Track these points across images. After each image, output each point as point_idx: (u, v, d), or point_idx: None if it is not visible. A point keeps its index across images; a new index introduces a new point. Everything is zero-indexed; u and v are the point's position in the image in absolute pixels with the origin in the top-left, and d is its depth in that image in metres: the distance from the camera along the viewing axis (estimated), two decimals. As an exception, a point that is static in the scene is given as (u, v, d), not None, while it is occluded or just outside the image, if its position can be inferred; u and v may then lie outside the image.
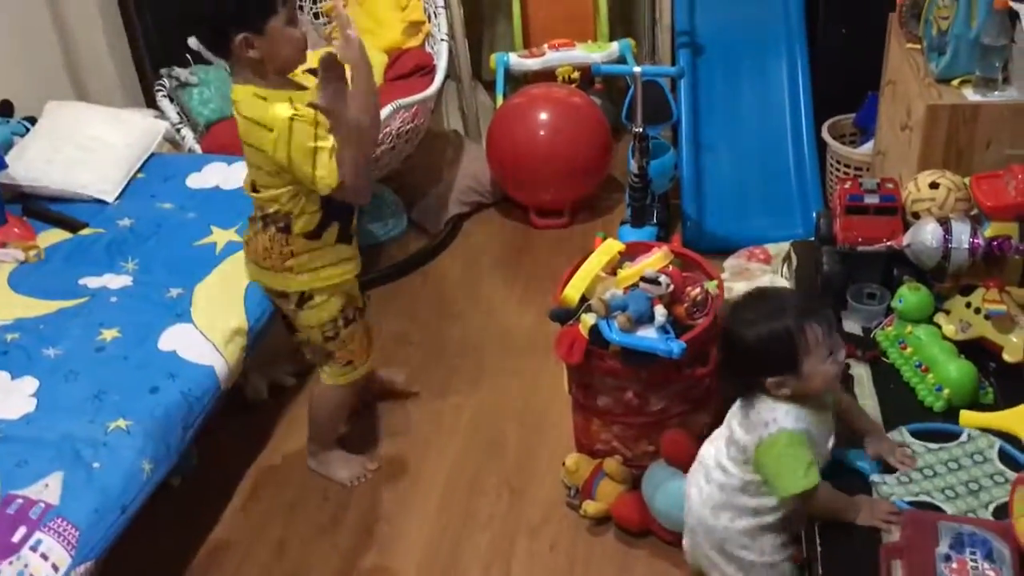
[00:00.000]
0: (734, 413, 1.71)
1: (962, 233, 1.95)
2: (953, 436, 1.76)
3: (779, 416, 1.58)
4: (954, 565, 1.46)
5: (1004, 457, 1.71)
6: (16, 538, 1.77)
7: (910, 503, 1.62)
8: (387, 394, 2.71)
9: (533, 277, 3.23)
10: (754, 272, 2.77)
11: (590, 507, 2.24)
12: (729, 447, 1.69)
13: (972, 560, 1.47)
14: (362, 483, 2.44)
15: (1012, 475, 1.66)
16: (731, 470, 1.69)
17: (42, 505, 1.84)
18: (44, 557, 1.75)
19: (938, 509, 1.62)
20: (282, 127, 1.88)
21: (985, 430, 1.74)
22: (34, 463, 1.93)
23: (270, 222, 2.07)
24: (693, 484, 1.80)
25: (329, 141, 1.90)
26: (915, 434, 1.77)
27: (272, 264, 2.11)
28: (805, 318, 1.56)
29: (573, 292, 2.19)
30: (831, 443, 1.67)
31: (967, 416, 1.76)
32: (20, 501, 1.84)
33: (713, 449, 1.76)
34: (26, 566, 1.73)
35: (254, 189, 2.08)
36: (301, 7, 3.65)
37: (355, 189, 1.97)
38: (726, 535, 1.72)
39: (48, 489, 1.88)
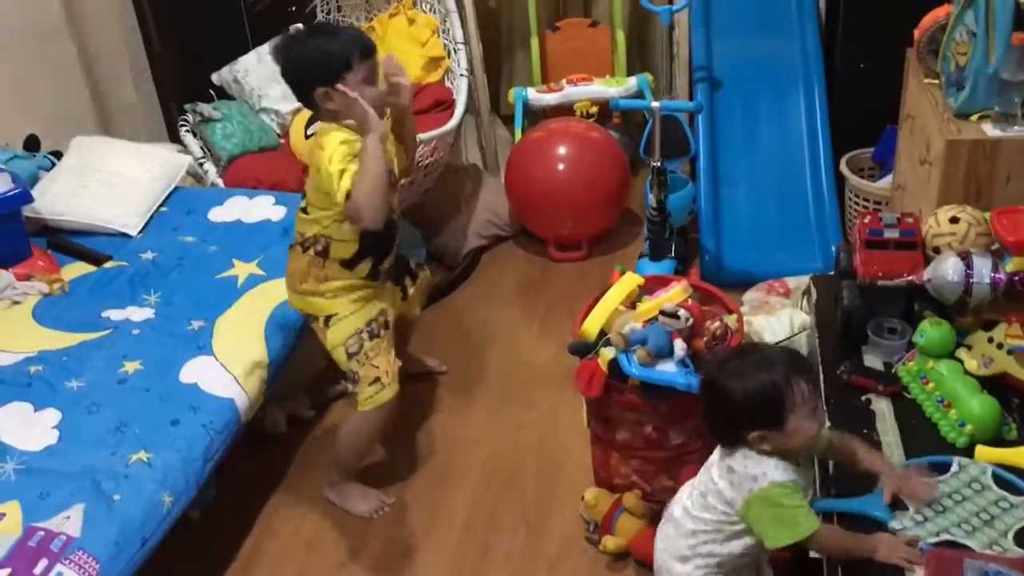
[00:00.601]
0: (714, 465, 1.68)
1: (983, 268, 1.94)
2: (945, 467, 1.76)
3: (768, 470, 1.57)
4: (980, 604, 1.44)
5: (999, 481, 1.71)
6: (38, 570, 1.77)
7: (933, 544, 1.60)
8: (420, 374, 2.87)
9: (551, 310, 3.24)
10: (773, 306, 2.76)
11: (609, 542, 2.22)
12: (706, 496, 1.67)
13: (998, 599, 1.45)
14: (380, 517, 2.44)
15: (1014, 499, 1.67)
16: (707, 518, 1.67)
17: (63, 537, 1.84)
18: (65, 590, 1.76)
19: (963, 546, 1.60)
20: (332, 146, 2.10)
21: (999, 465, 1.73)
22: (56, 495, 1.94)
23: (310, 245, 2.24)
24: (662, 534, 1.79)
25: (355, 167, 2.08)
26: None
27: (307, 288, 2.28)
28: (793, 374, 1.55)
29: (592, 326, 2.19)
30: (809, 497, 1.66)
31: (983, 452, 1.75)
32: (41, 533, 1.85)
33: (684, 498, 1.74)
34: (47, 599, 1.74)
35: (304, 211, 2.26)
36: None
37: (357, 209, 2.08)
38: None
39: (69, 521, 1.88)
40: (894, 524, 1.64)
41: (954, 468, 1.75)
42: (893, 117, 2.97)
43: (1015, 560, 1.52)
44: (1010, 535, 1.61)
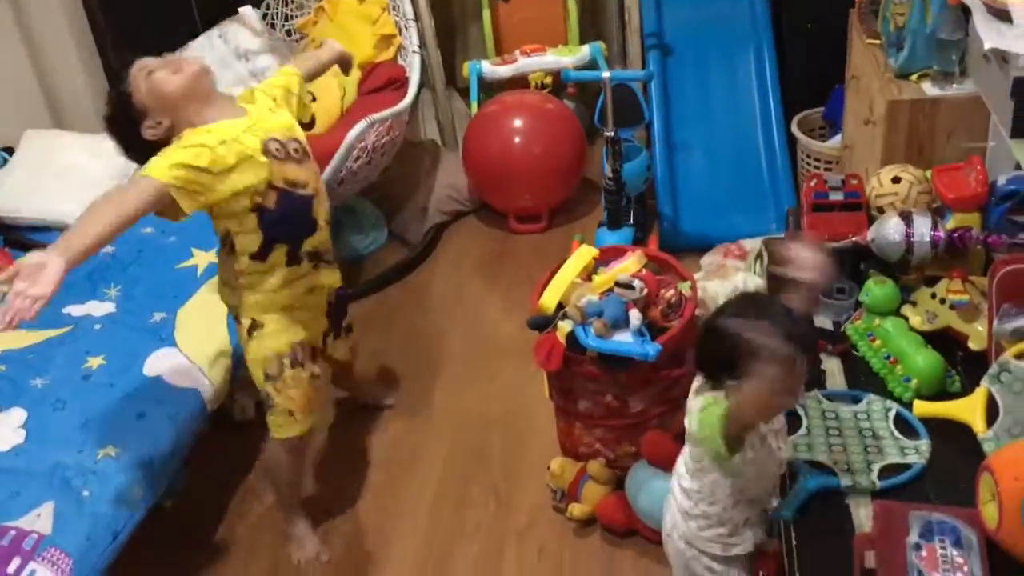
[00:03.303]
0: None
1: (923, 226, 1.99)
2: (857, 400, 1.90)
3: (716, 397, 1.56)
4: (923, 553, 1.50)
5: (900, 423, 1.82)
6: (11, 569, 1.80)
7: (806, 461, 1.73)
8: (364, 406, 2.75)
9: (514, 283, 3.27)
10: (729, 269, 2.82)
11: (576, 509, 2.28)
12: (687, 450, 1.70)
13: (941, 547, 1.51)
14: (313, 564, 2.31)
15: (905, 441, 1.78)
16: (691, 474, 1.69)
17: (35, 536, 1.87)
18: (39, 587, 1.78)
19: (827, 467, 1.73)
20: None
21: (938, 419, 1.80)
22: (25, 494, 1.96)
23: (220, 242, 2.08)
24: (666, 508, 1.80)
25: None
26: (828, 397, 1.91)
27: (227, 278, 2.12)
28: (800, 352, 1.51)
29: (549, 299, 2.23)
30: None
31: (921, 406, 1.81)
32: (13, 532, 1.87)
33: (680, 467, 1.75)
34: (21, 596, 1.76)
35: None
36: (273, 25, 3.68)
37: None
38: (695, 542, 1.71)
39: (40, 519, 1.91)
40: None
41: (863, 403, 1.88)
42: (842, 75, 3.01)
43: (959, 511, 1.58)
44: (875, 470, 1.71)
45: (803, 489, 1.70)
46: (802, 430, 1.84)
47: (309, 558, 2.32)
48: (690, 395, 1.66)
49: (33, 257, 1.69)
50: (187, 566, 2.33)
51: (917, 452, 1.75)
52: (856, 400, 1.90)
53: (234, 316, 2.17)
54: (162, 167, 1.84)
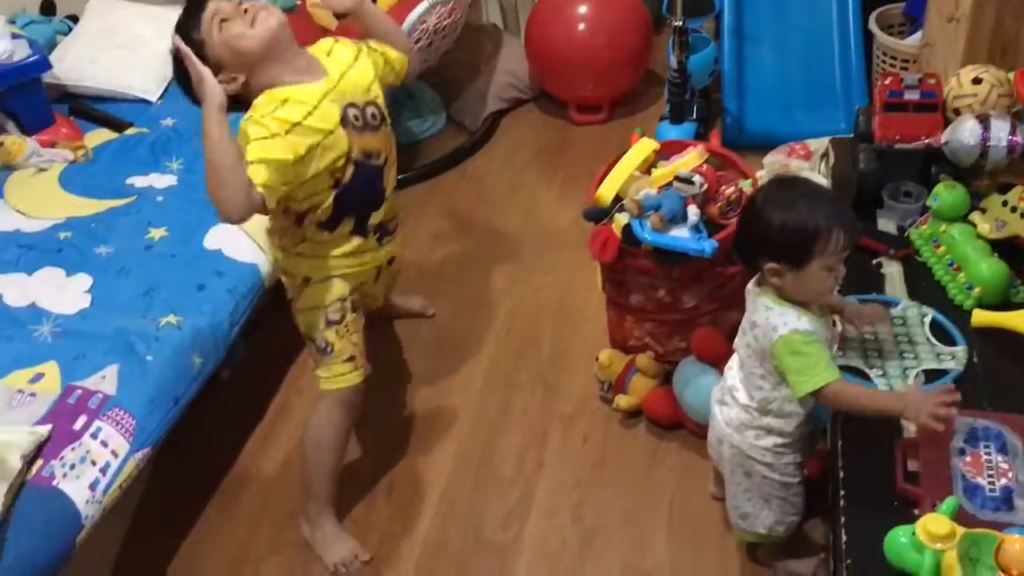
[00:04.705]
0: (743, 331, 1.69)
1: (1001, 131, 1.92)
2: (892, 306, 1.87)
3: (789, 319, 1.56)
4: (968, 459, 1.50)
5: (936, 329, 1.80)
6: (77, 426, 1.88)
7: (840, 367, 1.67)
8: (404, 316, 2.71)
9: (571, 174, 3.24)
10: (793, 169, 2.75)
11: (622, 401, 2.30)
12: (747, 361, 1.68)
13: (986, 453, 1.51)
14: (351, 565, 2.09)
15: (940, 347, 1.76)
16: (752, 392, 1.68)
17: (100, 395, 1.94)
18: (104, 444, 1.87)
19: (861, 372, 1.72)
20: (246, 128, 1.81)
21: (992, 327, 1.77)
22: (91, 356, 2.03)
23: (279, 211, 1.90)
24: (716, 402, 1.80)
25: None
26: (862, 302, 1.86)
27: (284, 244, 2.00)
28: (836, 222, 1.52)
29: (607, 191, 2.20)
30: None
31: (979, 315, 1.78)
32: (80, 392, 1.95)
33: (734, 371, 1.75)
34: (88, 452, 1.85)
35: None
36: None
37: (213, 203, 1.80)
38: (751, 452, 1.73)
39: (105, 380, 1.98)
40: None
41: (899, 308, 1.85)
42: (927, -31, 2.86)
43: (1004, 416, 1.57)
44: (911, 375, 1.70)
45: None
46: None
47: (348, 559, 2.09)
48: (752, 296, 1.64)
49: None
50: (243, 434, 2.42)
51: (953, 358, 1.73)
52: (891, 306, 1.87)
53: (285, 274, 2.05)
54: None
